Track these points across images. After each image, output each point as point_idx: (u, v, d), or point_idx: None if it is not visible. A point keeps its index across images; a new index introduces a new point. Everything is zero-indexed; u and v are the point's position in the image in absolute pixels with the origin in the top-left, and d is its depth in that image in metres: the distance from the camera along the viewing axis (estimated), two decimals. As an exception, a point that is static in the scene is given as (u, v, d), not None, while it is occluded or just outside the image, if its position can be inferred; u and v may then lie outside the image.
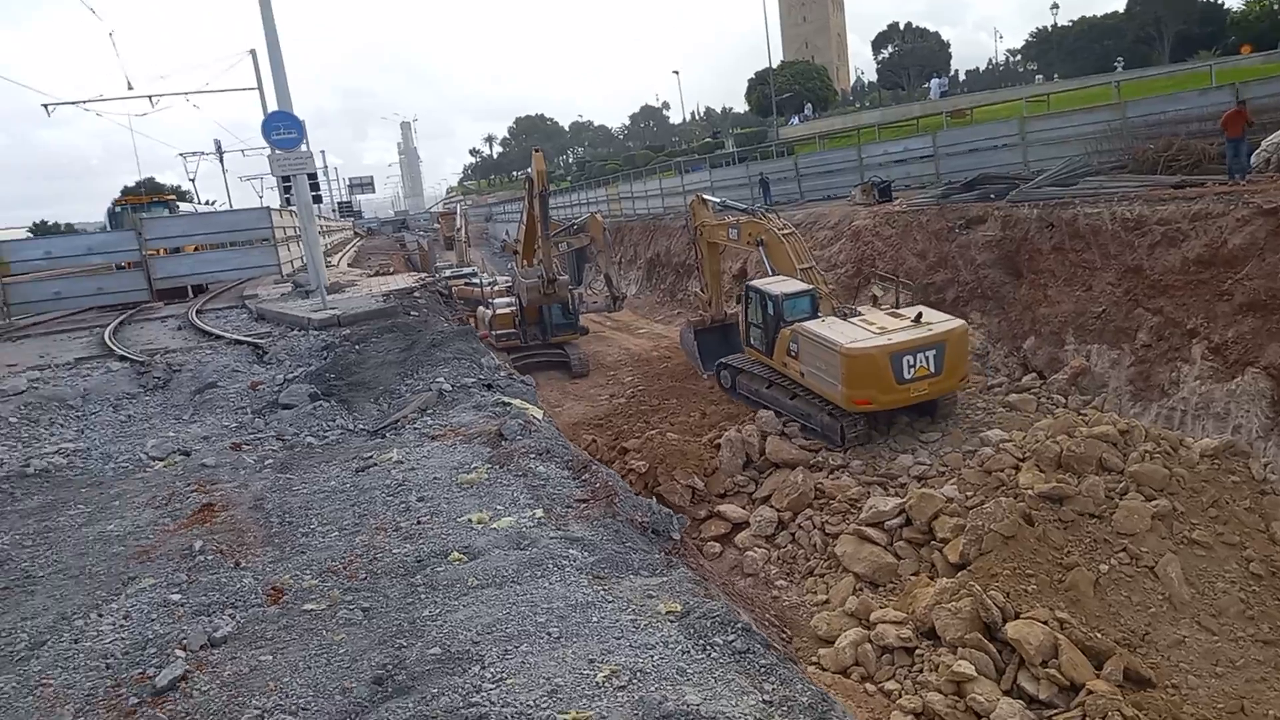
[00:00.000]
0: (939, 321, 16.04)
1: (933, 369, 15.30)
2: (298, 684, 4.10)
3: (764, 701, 3.51)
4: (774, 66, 70.31)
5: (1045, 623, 10.15)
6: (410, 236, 66.05)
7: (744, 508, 15.50)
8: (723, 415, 19.04)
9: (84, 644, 4.81)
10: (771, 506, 15.15)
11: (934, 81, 66.84)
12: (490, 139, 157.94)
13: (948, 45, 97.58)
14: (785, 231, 19.48)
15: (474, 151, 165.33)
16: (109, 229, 27.40)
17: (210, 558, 5.76)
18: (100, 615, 5.13)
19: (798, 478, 15.30)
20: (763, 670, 3.78)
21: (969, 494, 13.33)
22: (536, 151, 27.17)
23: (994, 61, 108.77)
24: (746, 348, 19.60)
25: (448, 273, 35.16)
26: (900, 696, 10.30)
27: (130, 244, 20.39)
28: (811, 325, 16.72)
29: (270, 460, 8.26)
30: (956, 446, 15.24)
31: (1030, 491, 12.38)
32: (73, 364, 12.38)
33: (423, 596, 4.87)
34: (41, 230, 55.78)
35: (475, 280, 33.78)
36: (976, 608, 10.41)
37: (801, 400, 17.20)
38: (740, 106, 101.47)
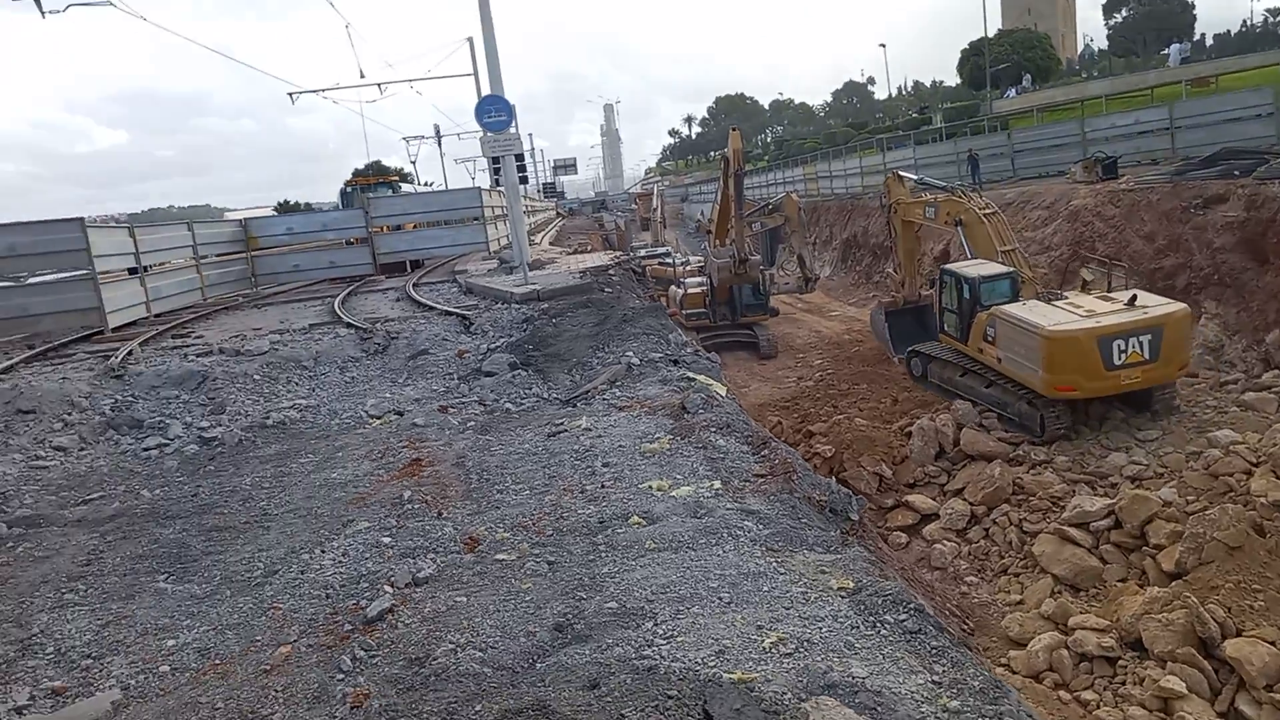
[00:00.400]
0: (1156, 305, 14.75)
1: (1147, 355, 14.11)
2: (488, 625, 4.43)
3: (933, 682, 3.45)
4: (990, 36, 66.22)
5: (1273, 643, 9.18)
6: (608, 216, 67.83)
7: (934, 499, 14.96)
8: (915, 402, 18.41)
9: (309, 575, 5.41)
10: (964, 499, 14.54)
11: (1174, 47, 60.41)
12: (690, 119, 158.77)
13: (1192, 7, 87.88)
14: (986, 211, 18.47)
15: (673, 132, 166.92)
16: (340, 208, 30.03)
17: (417, 507, 6.29)
18: (323, 551, 5.74)
19: (995, 471, 14.58)
20: (934, 652, 3.71)
21: (1190, 499, 12.21)
22: (734, 130, 27.14)
23: (1249, 23, 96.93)
24: (941, 335, 18.84)
25: (642, 252, 35.88)
26: (1098, 707, 9.67)
27: (358, 222, 22.27)
28: (1011, 308, 15.86)
29: (472, 423, 8.86)
30: (1178, 447, 13.97)
31: (1264, 499, 11.18)
32: (307, 329, 13.73)
33: (603, 555, 5.11)
34: (284, 209, 61.75)
35: (668, 260, 34.29)
36: (1191, 621, 9.56)
37: (998, 388, 16.35)
38: (952, 79, 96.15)
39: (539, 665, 3.94)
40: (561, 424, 8.22)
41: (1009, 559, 12.94)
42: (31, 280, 15.78)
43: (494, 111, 16.62)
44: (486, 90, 18.21)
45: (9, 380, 10.81)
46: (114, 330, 14.51)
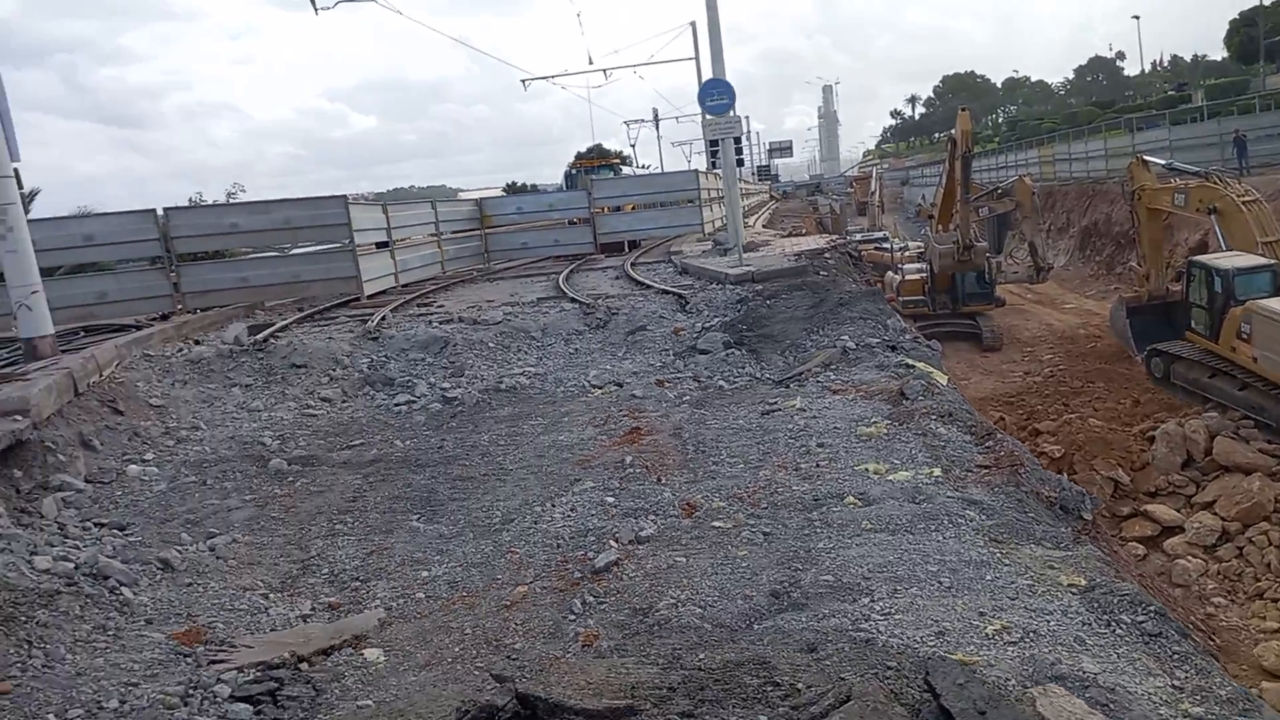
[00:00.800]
0: None
1: None
2: (706, 585, 4.64)
3: (1173, 686, 3.27)
4: (1266, 4, 58.78)
5: None
6: (823, 200, 66.50)
7: (1178, 511, 13.73)
8: (1159, 405, 16.92)
9: (540, 526, 5.86)
10: (1214, 514, 13.24)
11: None
12: (913, 99, 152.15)
13: None
14: (1246, 198, 16.55)
15: (895, 113, 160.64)
16: (564, 189, 31.41)
17: (637, 472, 6.62)
18: (553, 505, 6.19)
19: (1253, 485, 13.17)
20: (1175, 657, 3.51)
21: None
22: (963, 111, 25.86)
23: None
24: (1187, 333, 17.17)
25: (858, 236, 34.99)
26: (1367, 756, 8.58)
27: (582, 203, 23.23)
28: (1271, 302, 14.24)
29: (687, 397, 9.15)
30: None
31: None
32: (535, 303, 14.58)
33: (818, 530, 5.19)
34: (512, 190, 65.17)
35: (885, 245, 33.28)
36: None
37: (1254, 391, 14.73)
38: (1216, 53, 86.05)
39: (756, 626, 4.10)
40: (775, 403, 8.32)
41: (1265, 582, 11.68)
42: (296, 251, 17.69)
43: (716, 95, 16.82)
44: (707, 74, 18.49)
45: (285, 338, 12.27)
46: (368, 298, 16.04)
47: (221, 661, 4.14)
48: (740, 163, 23.19)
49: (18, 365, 9.78)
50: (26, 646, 4.02)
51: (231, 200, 28.72)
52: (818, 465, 6.37)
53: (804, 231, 28.92)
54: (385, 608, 4.97)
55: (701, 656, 3.49)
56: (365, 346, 11.90)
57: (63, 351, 10.18)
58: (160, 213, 15.09)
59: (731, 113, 17.21)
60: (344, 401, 10.25)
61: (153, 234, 14.90)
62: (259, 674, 4.02)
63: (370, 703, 3.77)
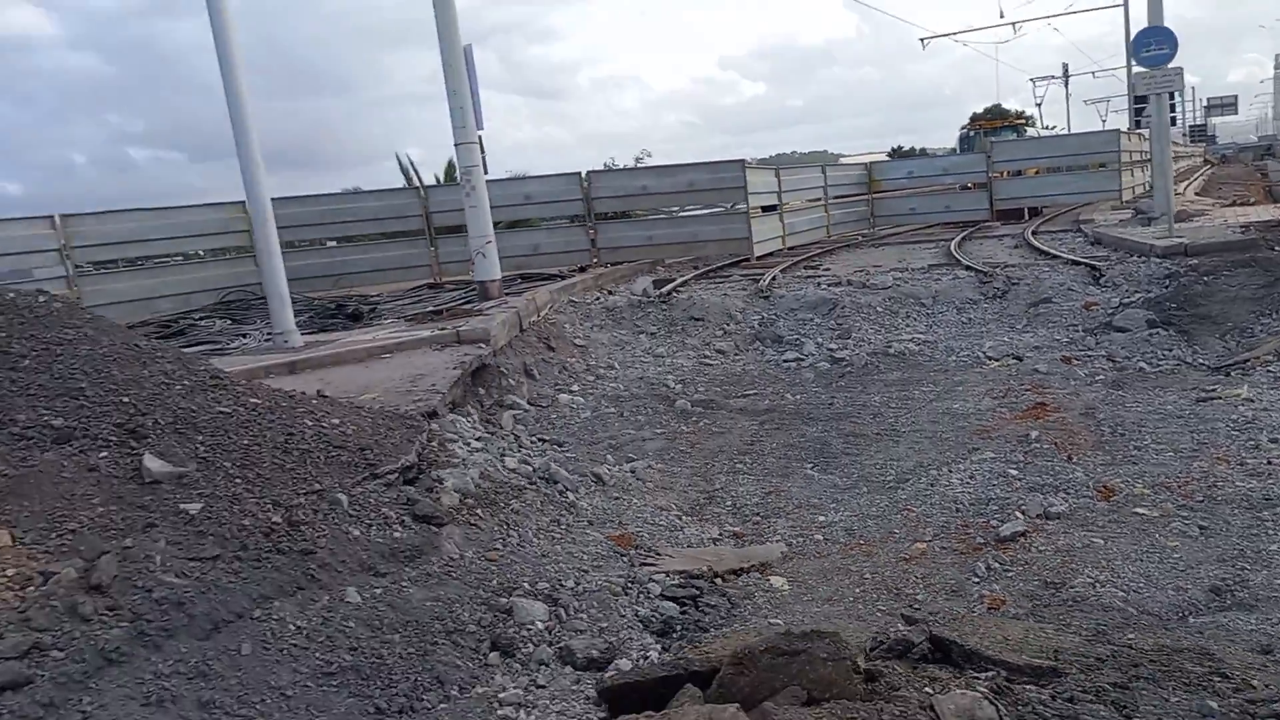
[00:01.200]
0: None
1: None
2: (1128, 570, 4.34)
3: None
4: None
5: None
6: (1275, 164, 56.04)
7: None
8: None
9: (937, 488, 5.83)
10: None
11: None
12: None
13: None
14: None
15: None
16: (958, 152, 29.81)
17: (1044, 448, 6.29)
18: (950, 470, 6.10)
19: None
20: None
21: None
22: None
23: None
24: None
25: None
26: None
27: (978, 166, 21.93)
28: None
29: (1100, 377, 8.43)
30: None
31: None
32: (925, 269, 14.16)
33: (1270, 532, 4.59)
34: (898, 154, 63.08)
35: (1365, 219, 27.31)
36: None
37: None
38: None
39: (1192, 620, 3.78)
40: (1212, 391, 7.39)
41: None
42: (685, 213, 18.74)
43: (1154, 44, 14.92)
44: (1138, 21, 16.41)
45: (685, 293, 13.20)
46: (757, 259, 16.67)
47: (650, 564, 4.72)
48: (1172, 121, 20.37)
49: (474, 303, 11.68)
50: (505, 528, 4.91)
51: (639, 165, 31.18)
52: (1270, 462, 5.58)
53: (1251, 200, 24.69)
54: (786, 543, 5.30)
55: (1130, 636, 3.31)
56: (756, 304, 12.45)
57: (506, 294, 11.95)
58: (584, 175, 16.90)
59: (1171, 65, 15.17)
60: (736, 354, 10.87)
61: (577, 194, 16.75)
62: (682, 580, 4.53)
63: (779, 622, 4.08)
